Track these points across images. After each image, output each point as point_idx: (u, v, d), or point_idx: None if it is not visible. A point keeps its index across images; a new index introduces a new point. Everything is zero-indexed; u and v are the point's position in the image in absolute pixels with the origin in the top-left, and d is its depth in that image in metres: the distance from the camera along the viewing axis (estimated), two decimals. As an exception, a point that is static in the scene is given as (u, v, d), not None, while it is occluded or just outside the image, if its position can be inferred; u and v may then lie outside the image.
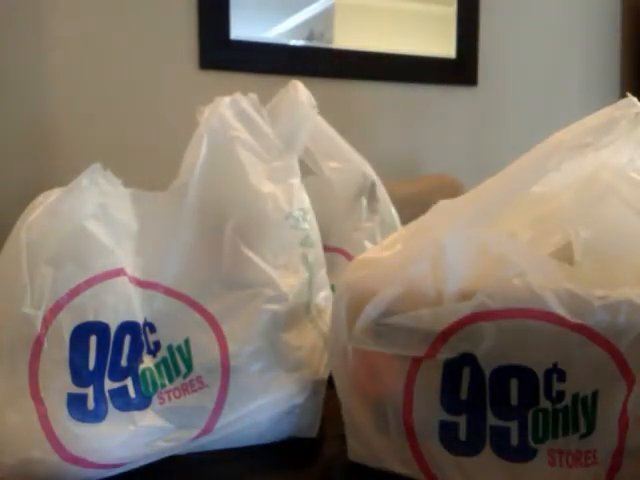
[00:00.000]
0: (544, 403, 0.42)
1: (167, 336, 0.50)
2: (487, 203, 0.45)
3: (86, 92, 1.21)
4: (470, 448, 0.43)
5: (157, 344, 0.49)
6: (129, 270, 0.49)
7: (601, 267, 0.43)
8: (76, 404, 0.46)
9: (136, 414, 0.47)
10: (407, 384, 0.44)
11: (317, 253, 0.56)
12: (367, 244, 0.74)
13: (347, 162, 0.77)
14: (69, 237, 0.48)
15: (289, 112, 0.61)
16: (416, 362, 0.44)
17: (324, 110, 0.68)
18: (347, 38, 1.71)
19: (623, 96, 0.45)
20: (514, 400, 0.42)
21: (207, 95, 0.58)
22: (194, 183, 0.52)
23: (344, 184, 0.76)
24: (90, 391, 0.47)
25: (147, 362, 0.49)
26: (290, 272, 0.52)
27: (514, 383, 0.42)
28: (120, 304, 0.48)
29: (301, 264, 0.53)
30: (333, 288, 0.52)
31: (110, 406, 0.47)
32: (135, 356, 0.49)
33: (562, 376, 0.41)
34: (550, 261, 0.44)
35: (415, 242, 0.46)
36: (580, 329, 0.40)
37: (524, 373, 0.41)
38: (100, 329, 0.47)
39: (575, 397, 0.41)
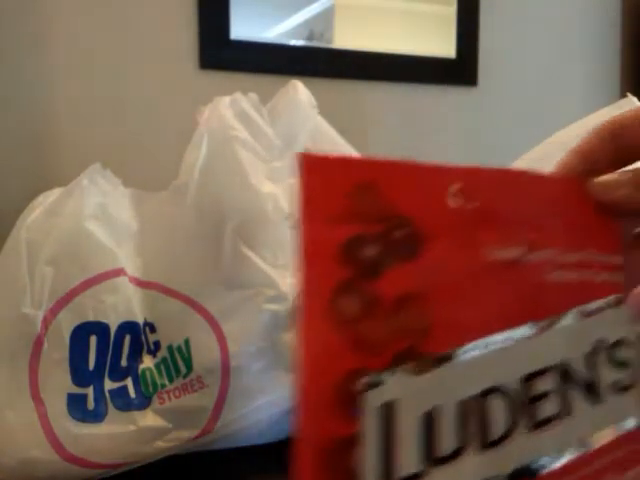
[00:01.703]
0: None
1: (167, 336, 0.50)
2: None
3: (86, 92, 1.21)
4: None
5: (157, 344, 0.49)
6: (129, 270, 0.49)
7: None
8: (76, 404, 0.46)
9: (136, 414, 0.47)
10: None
11: (317, 253, 0.55)
12: (367, 244, 0.74)
13: (347, 162, 0.76)
14: (69, 237, 0.48)
15: (289, 112, 0.61)
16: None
17: (324, 110, 0.68)
18: (347, 38, 1.71)
19: (623, 96, 0.45)
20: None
21: (207, 95, 0.57)
22: (194, 183, 0.52)
23: (344, 184, 0.76)
24: (90, 391, 0.47)
25: (147, 362, 0.49)
26: (290, 272, 0.52)
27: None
28: (120, 304, 0.48)
29: (301, 264, 0.53)
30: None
31: (110, 406, 0.47)
32: (135, 356, 0.49)
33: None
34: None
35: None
36: None
37: None
38: (100, 329, 0.47)
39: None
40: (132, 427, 0.47)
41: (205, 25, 1.51)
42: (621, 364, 0.29)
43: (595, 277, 0.29)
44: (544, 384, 0.27)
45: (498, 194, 0.29)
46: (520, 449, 0.26)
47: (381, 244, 0.26)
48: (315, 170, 0.28)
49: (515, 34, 1.88)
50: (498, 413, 0.26)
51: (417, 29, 1.80)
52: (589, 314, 0.29)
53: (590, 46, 1.93)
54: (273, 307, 0.51)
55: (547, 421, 0.27)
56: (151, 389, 0.48)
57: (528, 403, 0.26)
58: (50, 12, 1.21)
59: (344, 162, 0.28)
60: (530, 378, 0.27)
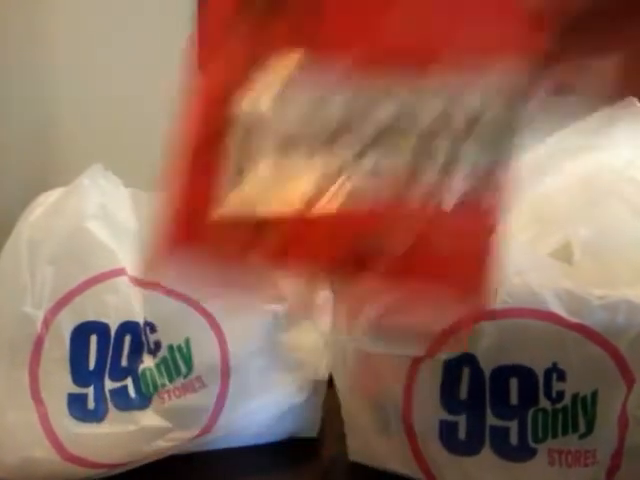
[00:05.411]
0: (544, 403, 0.42)
1: (168, 336, 0.50)
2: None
3: (86, 92, 1.21)
4: (470, 448, 0.43)
5: (157, 344, 0.49)
6: (129, 270, 0.49)
7: (600, 267, 0.43)
8: (76, 404, 0.46)
9: (136, 414, 0.47)
10: (407, 384, 0.44)
11: (317, 253, 0.56)
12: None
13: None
14: (70, 237, 0.49)
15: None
16: (416, 362, 0.44)
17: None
18: (347, 39, 1.71)
19: (623, 96, 0.45)
20: (514, 400, 0.42)
21: (207, 95, 0.57)
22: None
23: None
24: (90, 391, 0.47)
25: (147, 362, 0.49)
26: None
27: (514, 383, 0.42)
28: (120, 304, 0.48)
29: (301, 264, 0.53)
30: (333, 288, 0.52)
31: (110, 406, 0.47)
32: (135, 356, 0.49)
33: (562, 376, 0.41)
34: (549, 261, 0.44)
35: (415, 242, 0.46)
36: (579, 329, 0.40)
37: (523, 373, 0.41)
38: (100, 329, 0.47)
39: (575, 397, 0.41)
40: (132, 427, 0.47)
41: (206, 26, 1.51)
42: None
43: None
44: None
45: None
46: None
47: None
48: None
49: (515, 35, 1.88)
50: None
51: (417, 30, 1.80)
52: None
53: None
54: (273, 307, 0.51)
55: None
56: (151, 389, 0.48)
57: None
58: (51, 11, 1.21)
59: None
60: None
